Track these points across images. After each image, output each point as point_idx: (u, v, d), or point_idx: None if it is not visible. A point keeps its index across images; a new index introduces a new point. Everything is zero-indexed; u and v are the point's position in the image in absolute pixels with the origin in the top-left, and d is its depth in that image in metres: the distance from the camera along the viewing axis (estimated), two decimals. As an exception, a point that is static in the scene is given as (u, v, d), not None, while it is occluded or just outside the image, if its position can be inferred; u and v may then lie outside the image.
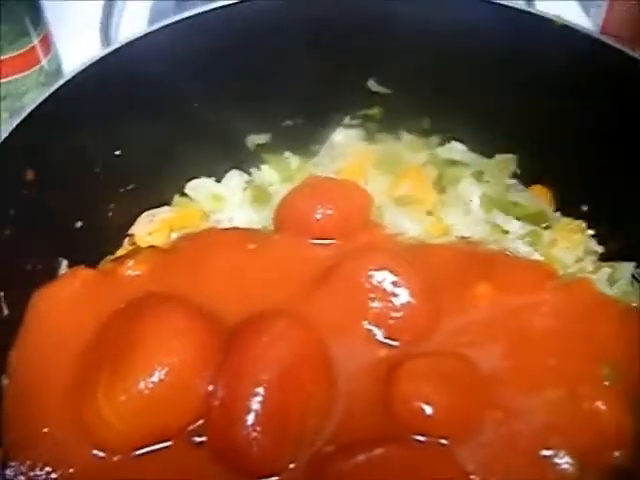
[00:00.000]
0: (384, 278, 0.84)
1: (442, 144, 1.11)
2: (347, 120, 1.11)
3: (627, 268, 0.97)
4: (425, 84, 1.04)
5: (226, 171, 1.10)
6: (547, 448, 0.76)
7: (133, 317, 0.80)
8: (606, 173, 0.96)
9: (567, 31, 0.93)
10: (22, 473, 0.73)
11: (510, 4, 0.95)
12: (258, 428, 0.71)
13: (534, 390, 0.80)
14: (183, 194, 1.08)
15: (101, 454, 0.75)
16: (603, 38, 0.92)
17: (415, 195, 1.04)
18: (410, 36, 0.99)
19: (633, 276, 0.97)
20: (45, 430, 0.76)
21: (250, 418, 0.72)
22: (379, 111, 1.10)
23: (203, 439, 0.76)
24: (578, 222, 1.02)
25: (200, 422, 0.76)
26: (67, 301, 0.87)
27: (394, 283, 0.84)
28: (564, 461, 0.75)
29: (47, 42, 1.21)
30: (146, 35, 0.92)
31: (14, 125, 0.82)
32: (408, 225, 1.01)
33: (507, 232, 1.01)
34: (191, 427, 0.76)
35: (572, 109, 0.95)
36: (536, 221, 1.02)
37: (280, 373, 0.75)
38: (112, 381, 0.74)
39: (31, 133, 0.84)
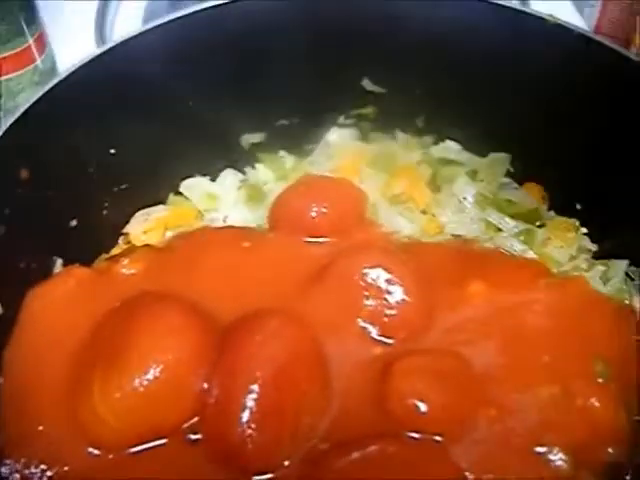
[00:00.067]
0: (378, 276, 0.84)
1: (436, 143, 1.11)
2: (341, 119, 1.11)
3: (620, 266, 0.97)
4: (419, 83, 1.04)
5: (221, 170, 1.10)
6: (541, 445, 0.76)
7: (128, 315, 0.80)
8: (599, 172, 0.97)
9: (561, 30, 0.93)
10: (17, 471, 0.73)
11: (505, 4, 0.96)
12: (253, 425, 0.72)
13: (528, 387, 0.80)
14: (178, 193, 1.08)
15: (96, 452, 0.75)
16: (597, 37, 0.92)
17: (409, 194, 1.05)
18: (404, 36, 0.99)
19: (626, 274, 0.97)
20: (40, 428, 0.76)
21: (245, 415, 0.72)
22: (373, 110, 1.10)
23: (198, 437, 0.76)
24: (572, 220, 1.03)
25: (195, 420, 0.76)
26: (62, 300, 0.86)
27: (388, 281, 0.84)
28: (558, 458, 0.75)
29: (42, 41, 1.21)
30: (140, 34, 0.92)
31: (8, 124, 0.82)
32: (403, 223, 1.01)
33: (501, 230, 1.01)
34: (186, 425, 0.76)
35: (566, 108, 0.96)
36: (530, 219, 1.02)
37: (274, 371, 0.75)
38: (107, 379, 0.74)
39: (25, 132, 0.84)
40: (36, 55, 1.20)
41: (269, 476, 0.73)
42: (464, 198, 1.04)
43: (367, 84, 1.06)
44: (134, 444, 0.75)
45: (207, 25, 0.95)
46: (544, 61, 0.94)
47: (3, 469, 0.73)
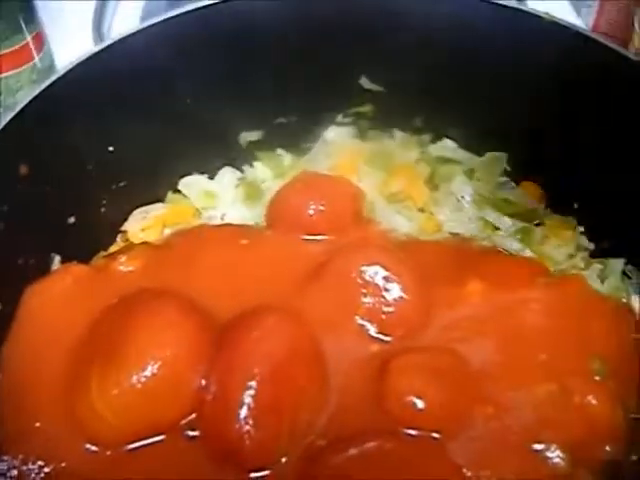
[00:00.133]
0: (376, 273, 0.84)
1: (434, 142, 1.11)
2: (339, 118, 1.11)
3: (617, 264, 0.97)
4: (417, 82, 1.04)
5: (219, 168, 1.10)
6: (538, 442, 0.76)
7: (126, 312, 0.80)
8: (597, 170, 0.97)
9: (558, 28, 0.93)
10: (15, 467, 0.73)
11: (503, 3, 0.96)
12: (250, 422, 0.71)
13: (525, 385, 0.80)
14: (176, 191, 1.08)
15: (94, 448, 0.75)
16: (594, 36, 0.92)
17: (407, 192, 1.05)
18: (402, 34, 0.99)
19: (623, 272, 0.97)
20: (37, 424, 0.76)
21: (242, 412, 0.72)
22: (371, 109, 1.10)
23: (196, 433, 0.75)
24: (569, 219, 1.03)
25: (193, 416, 0.76)
26: (59, 297, 0.86)
27: (386, 278, 0.84)
28: (555, 455, 0.75)
29: (40, 40, 1.22)
30: (138, 32, 0.92)
31: (7, 120, 0.82)
32: (400, 222, 1.01)
33: (499, 229, 1.02)
34: (184, 421, 0.76)
35: (563, 107, 0.96)
36: (527, 218, 1.02)
37: (272, 368, 0.75)
38: (105, 375, 0.74)
39: (24, 129, 0.84)
40: (34, 53, 1.20)
41: (266, 472, 0.73)
42: (462, 197, 1.05)
43: (365, 82, 1.06)
44: (132, 440, 0.75)
45: (205, 23, 0.95)
46: (542, 60, 0.94)
47: (0, 465, 0.73)
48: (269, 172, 1.11)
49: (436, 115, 1.09)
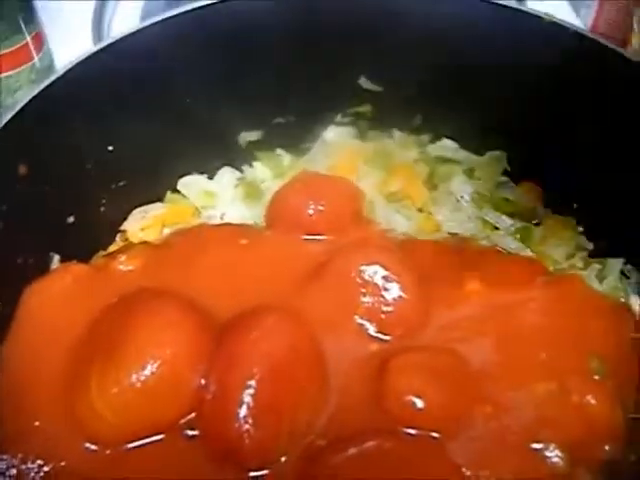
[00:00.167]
0: (375, 273, 0.84)
1: (433, 142, 1.12)
2: (339, 118, 1.12)
3: (616, 264, 0.97)
4: (416, 82, 1.04)
5: (218, 168, 1.11)
6: (537, 442, 0.76)
7: (125, 311, 0.80)
8: (596, 170, 0.97)
9: (558, 29, 0.93)
10: (14, 466, 0.73)
11: (503, 3, 0.96)
12: (250, 421, 0.71)
13: (524, 384, 0.80)
14: (175, 191, 1.08)
15: (93, 447, 0.75)
16: (593, 36, 0.93)
17: (406, 192, 1.05)
18: (401, 34, 1.00)
19: (622, 272, 0.97)
20: (37, 424, 0.76)
21: (242, 411, 0.72)
22: (370, 109, 1.10)
23: (195, 432, 0.75)
24: (568, 219, 1.03)
25: (192, 415, 0.76)
26: (59, 296, 0.86)
27: (385, 278, 0.84)
28: (554, 454, 0.75)
29: (39, 40, 1.22)
30: (137, 31, 0.92)
31: (6, 120, 0.82)
32: (399, 221, 1.02)
33: (498, 228, 1.02)
34: (183, 420, 0.76)
35: (563, 107, 0.96)
36: (527, 217, 1.03)
37: (271, 367, 0.75)
38: (104, 374, 0.74)
39: (23, 128, 0.84)
40: (34, 53, 1.20)
41: (266, 472, 0.73)
42: (461, 196, 1.05)
43: (364, 82, 1.07)
44: (131, 440, 0.75)
45: (204, 23, 0.95)
46: (541, 60, 0.95)
47: (0, 464, 0.73)
48: (268, 172, 1.11)
49: (435, 115, 1.09)
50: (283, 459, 0.74)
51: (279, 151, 1.12)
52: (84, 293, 0.87)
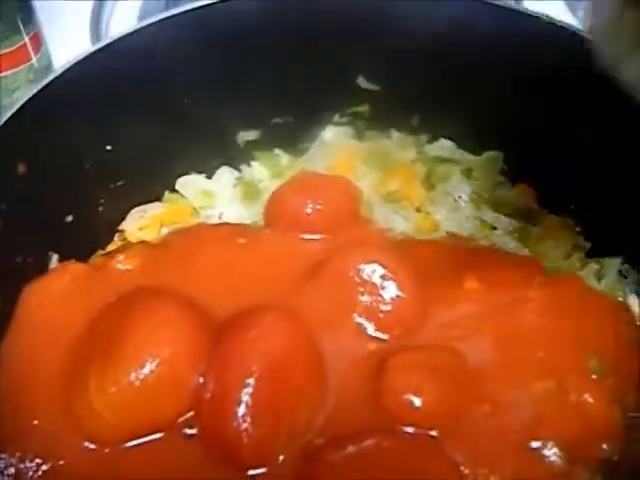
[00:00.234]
0: (373, 272, 0.84)
1: (431, 142, 1.12)
2: (337, 118, 1.11)
3: (614, 264, 0.97)
4: (414, 82, 1.04)
5: (216, 167, 1.10)
6: (536, 440, 0.76)
7: (124, 310, 0.80)
8: (593, 171, 0.97)
9: (555, 30, 0.94)
10: (12, 465, 0.73)
11: (500, 4, 0.96)
12: (248, 419, 0.71)
13: (522, 383, 0.80)
14: (174, 190, 1.08)
15: (92, 446, 0.75)
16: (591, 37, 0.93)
17: (404, 192, 1.05)
18: (400, 34, 1.00)
19: (620, 272, 0.97)
20: (35, 422, 0.76)
21: (240, 410, 0.72)
22: (368, 109, 1.10)
23: (194, 431, 0.76)
24: (566, 219, 1.03)
25: (191, 414, 0.76)
26: (58, 295, 0.86)
27: (383, 277, 0.84)
28: (552, 453, 0.76)
29: (37, 40, 1.22)
30: (135, 31, 0.92)
31: (4, 119, 0.82)
32: (397, 221, 1.01)
33: (495, 228, 1.02)
34: (182, 419, 0.76)
35: (561, 107, 0.96)
36: (524, 217, 1.03)
37: (270, 366, 0.75)
38: (103, 373, 0.74)
39: (22, 127, 0.84)
40: (32, 53, 1.20)
41: (264, 470, 0.73)
42: (459, 196, 1.05)
43: (362, 82, 1.06)
44: (130, 438, 0.75)
45: (202, 23, 0.95)
46: (538, 60, 0.95)
47: (-2, 463, 0.74)
48: (266, 172, 1.11)
49: (433, 115, 1.09)
50: (281, 458, 0.74)
51: (277, 151, 1.12)
52: (83, 292, 0.87)
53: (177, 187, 1.08)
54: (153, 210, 1.05)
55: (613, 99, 0.89)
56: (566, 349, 0.83)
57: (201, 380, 0.76)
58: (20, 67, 1.19)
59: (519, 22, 0.95)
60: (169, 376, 0.74)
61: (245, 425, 0.71)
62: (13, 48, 1.16)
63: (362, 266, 0.84)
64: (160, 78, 0.96)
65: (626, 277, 0.98)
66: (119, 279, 0.88)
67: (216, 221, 1.04)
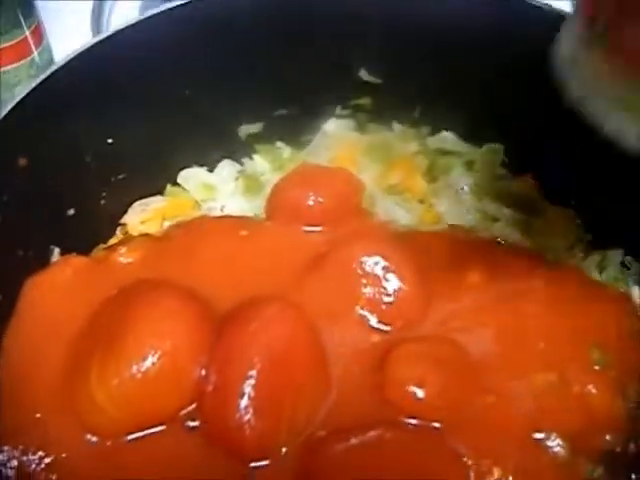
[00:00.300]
0: (376, 264, 0.84)
1: (433, 134, 1.11)
2: (338, 110, 1.11)
3: (616, 255, 0.97)
4: (416, 74, 1.04)
5: (218, 161, 1.10)
6: (539, 431, 0.76)
7: (125, 303, 0.80)
8: (594, 163, 0.96)
9: (558, 20, 0.93)
10: (15, 457, 0.73)
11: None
12: (251, 411, 0.72)
13: (525, 375, 0.80)
14: (175, 184, 1.08)
15: (94, 439, 0.75)
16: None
17: (406, 184, 1.05)
18: (401, 26, 1.00)
19: (622, 263, 0.97)
20: (38, 415, 0.76)
21: (243, 402, 0.72)
22: (370, 101, 1.10)
23: (196, 423, 0.76)
24: (567, 210, 1.03)
25: (193, 406, 0.76)
26: (59, 289, 0.87)
27: (386, 269, 0.84)
28: (555, 444, 0.76)
29: (39, 34, 1.21)
30: (137, 23, 0.92)
31: (5, 112, 0.82)
32: (400, 213, 1.01)
33: (498, 220, 1.02)
34: (184, 411, 0.76)
35: (560, 100, 0.95)
36: (526, 209, 1.02)
37: (272, 358, 0.75)
38: (104, 366, 0.74)
39: (23, 120, 0.84)
40: (33, 47, 1.20)
41: (266, 462, 0.73)
42: (461, 188, 1.05)
43: (364, 75, 1.06)
44: (132, 431, 0.75)
45: (203, 15, 0.95)
46: (541, 53, 0.94)
47: (0, 456, 0.73)
48: (268, 165, 1.11)
49: (434, 108, 1.09)
50: (284, 450, 0.74)
51: (279, 144, 1.12)
52: (84, 286, 0.87)
53: (179, 180, 1.08)
54: (155, 203, 1.05)
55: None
56: (569, 340, 0.83)
57: (203, 372, 0.76)
58: (21, 62, 1.18)
59: (521, 13, 0.95)
60: (171, 368, 0.74)
61: (247, 417, 0.72)
62: (14, 42, 1.15)
63: (365, 258, 0.84)
64: (161, 70, 0.96)
65: (628, 269, 0.97)
66: (121, 272, 0.88)
67: (218, 214, 1.04)
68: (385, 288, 0.84)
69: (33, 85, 0.85)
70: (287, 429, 0.74)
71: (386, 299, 0.84)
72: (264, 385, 0.73)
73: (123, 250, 0.89)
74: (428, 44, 1.00)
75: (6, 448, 0.74)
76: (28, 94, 0.84)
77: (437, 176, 1.07)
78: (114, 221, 1.03)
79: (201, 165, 1.09)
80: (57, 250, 0.93)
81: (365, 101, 1.10)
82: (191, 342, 0.76)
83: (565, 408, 0.78)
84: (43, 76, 0.86)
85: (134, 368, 0.73)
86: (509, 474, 0.73)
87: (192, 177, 1.08)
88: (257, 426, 0.72)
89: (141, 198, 1.05)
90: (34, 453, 0.74)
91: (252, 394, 0.72)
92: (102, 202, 1.00)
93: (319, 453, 0.73)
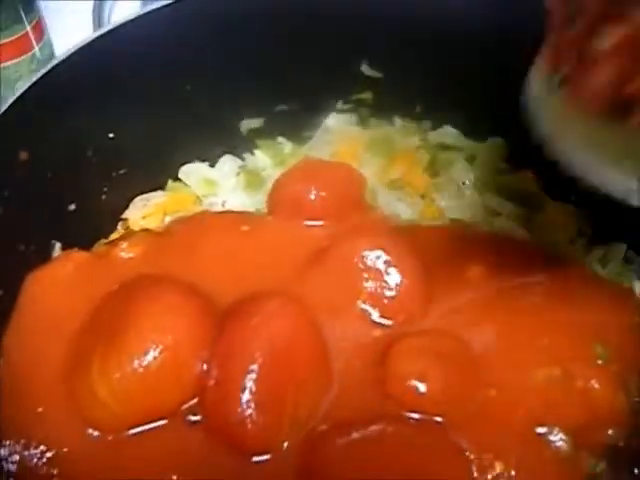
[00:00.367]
0: (378, 258, 0.84)
1: (434, 129, 1.11)
2: (340, 105, 1.11)
3: (618, 250, 0.97)
4: (417, 69, 1.04)
5: (219, 156, 1.10)
6: (541, 426, 0.76)
7: (126, 298, 0.80)
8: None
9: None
10: (16, 452, 0.74)
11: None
12: (252, 405, 0.72)
13: (528, 369, 0.80)
14: (177, 179, 1.08)
15: (95, 433, 0.75)
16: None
17: (407, 179, 1.05)
18: (403, 20, 0.99)
19: (625, 258, 0.97)
20: (39, 410, 0.76)
21: (244, 396, 0.72)
22: (372, 96, 1.10)
23: (198, 418, 0.76)
24: (568, 205, 1.02)
25: (194, 401, 0.76)
26: (60, 284, 0.87)
27: (387, 263, 0.84)
28: (558, 438, 0.76)
29: (40, 29, 1.21)
30: (138, 18, 0.92)
31: (7, 106, 0.82)
32: (401, 208, 1.01)
33: (499, 214, 1.01)
34: (185, 406, 0.76)
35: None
36: (528, 203, 1.02)
37: (273, 352, 0.75)
38: (106, 360, 0.74)
39: (24, 114, 0.84)
40: (34, 43, 1.20)
41: (268, 457, 0.73)
42: (463, 183, 1.05)
43: (366, 69, 1.06)
44: (133, 426, 0.75)
45: (204, 9, 0.95)
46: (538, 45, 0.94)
47: (2, 450, 0.74)
48: (269, 160, 1.11)
49: (436, 102, 1.09)
50: (285, 444, 0.74)
51: (280, 139, 1.12)
52: (85, 280, 0.87)
53: (180, 175, 1.08)
54: (156, 198, 1.05)
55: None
56: (571, 335, 0.83)
57: (205, 367, 0.76)
58: (22, 57, 1.18)
59: (523, 6, 0.94)
60: (172, 363, 0.74)
61: (249, 411, 0.71)
62: (15, 37, 1.15)
63: (366, 252, 0.84)
64: (162, 65, 0.96)
65: (631, 263, 0.97)
66: (122, 267, 0.88)
67: (219, 209, 1.04)
68: (387, 282, 0.84)
69: (34, 79, 0.85)
70: (289, 423, 0.74)
71: (388, 293, 0.83)
72: (265, 379, 0.73)
73: (124, 245, 0.89)
74: (429, 39, 1.00)
75: (8, 443, 0.74)
76: (29, 88, 0.84)
77: (438, 171, 1.07)
78: (115, 216, 1.03)
79: (202, 160, 1.09)
80: (58, 245, 0.93)
81: (366, 96, 1.10)
82: (192, 337, 0.76)
83: (568, 402, 0.78)
84: (44, 70, 0.86)
85: (136, 363, 0.73)
86: (511, 468, 0.73)
87: (193, 172, 1.08)
88: (259, 420, 0.72)
89: (142, 193, 1.05)
90: (36, 447, 0.74)
91: (254, 388, 0.72)
92: (103, 197, 1.00)
93: (321, 447, 0.73)
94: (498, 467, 0.73)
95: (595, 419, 0.78)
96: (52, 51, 1.27)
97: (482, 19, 0.96)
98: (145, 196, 1.05)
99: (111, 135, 0.97)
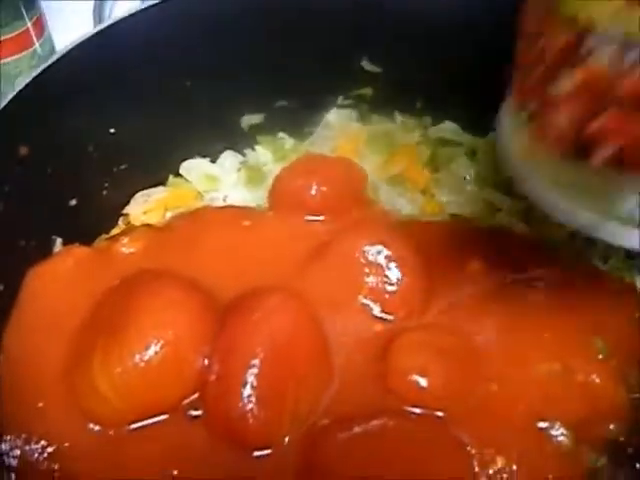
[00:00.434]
0: (379, 253, 0.84)
1: (435, 124, 1.11)
2: (340, 100, 1.11)
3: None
4: (418, 64, 1.03)
5: (220, 152, 1.10)
6: (542, 420, 0.76)
7: (127, 293, 0.80)
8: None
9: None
10: (17, 447, 0.74)
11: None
12: (253, 400, 0.72)
13: (528, 363, 0.80)
14: (178, 174, 1.08)
15: (97, 428, 0.75)
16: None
17: (408, 174, 1.05)
18: (404, 16, 0.99)
19: (626, 252, 0.97)
20: (40, 405, 0.76)
21: (245, 391, 0.72)
22: (372, 91, 1.10)
23: (199, 413, 0.76)
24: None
25: (195, 396, 0.76)
26: (61, 279, 0.87)
27: (389, 258, 0.84)
28: (559, 433, 0.76)
29: (40, 25, 1.21)
30: (138, 13, 0.92)
31: (6, 101, 0.82)
32: (402, 203, 1.01)
33: (500, 209, 1.01)
34: (186, 401, 0.76)
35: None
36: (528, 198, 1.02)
37: (274, 347, 0.75)
38: (107, 356, 0.74)
39: (24, 109, 0.83)
40: (34, 39, 1.20)
41: (269, 452, 0.73)
42: (463, 178, 1.04)
43: (366, 64, 1.06)
44: (134, 420, 0.75)
45: (204, 5, 0.95)
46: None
47: (3, 445, 0.74)
48: (270, 156, 1.10)
49: (436, 98, 1.08)
50: (287, 439, 0.74)
51: (281, 134, 1.12)
52: (86, 276, 0.87)
53: (181, 171, 1.08)
54: (157, 194, 1.05)
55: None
56: (572, 329, 0.83)
57: (206, 362, 0.76)
58: (23, 53, 1.18)
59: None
60: (173, 358, 0.74)
61: (250, 406, 0.72)
62: (16, 34, 1.15)
63: (367, 247, 0.84)
64: (162, 60, 0.96)
65: (633, 258, 0.97)
66: (123, 262, 0.88)
67: (220, 204, 1.04)
68: (388, 277, 0.84)
69: (34, 74, 0.85)
70: (290, 418, 0.74)
71: (389, 288, 0.83)
72: (267, 374, 0.73)
73: (125, 240, 0.89)
74: (430, 34, 0.99)
75: (9, 437, 0.74)
76: (29, 83, 0.84)
77: (439, 166, 1.07)
78: (116, 211, 1.03)
79: (203, 156, 1.09)
80: (59, 240, 0.93)
81: (367, 91, 1.10)
82: (193, 332, 0.76)
83: (569, 397, 0.78)
84: (44, 65, 0.86)
85: (137, 357, 0.73)
86: (512, 463, 0.73)
87: (194, 168, 1.08)
88: (260, 415, 0.72)
89: (143, 189, 1.05)
90: (37, 442, 0.74)
91: (255, 383, 0.72)
92: (104, 192, 1.00)
93: (322, 442, 0.73)
94: (499, 462, 0.73)
95: (596, 414, 0.78)
96: (53, 47, 1.27)
97: (483, 14, 0.95)
98: (146, 192, 1.05)
99: (112, 131, 0.97)
